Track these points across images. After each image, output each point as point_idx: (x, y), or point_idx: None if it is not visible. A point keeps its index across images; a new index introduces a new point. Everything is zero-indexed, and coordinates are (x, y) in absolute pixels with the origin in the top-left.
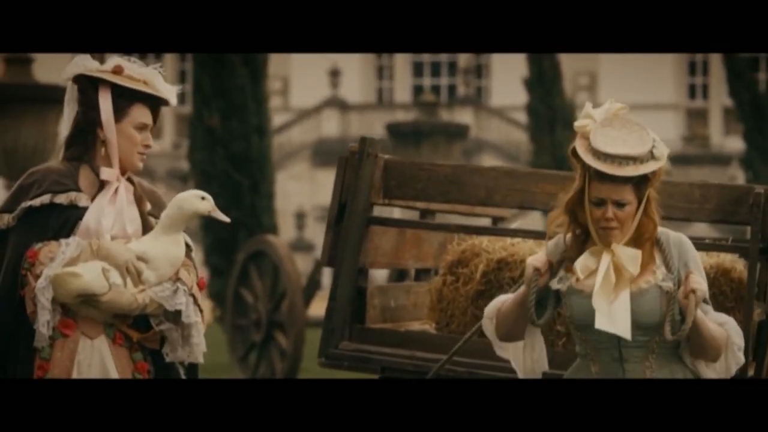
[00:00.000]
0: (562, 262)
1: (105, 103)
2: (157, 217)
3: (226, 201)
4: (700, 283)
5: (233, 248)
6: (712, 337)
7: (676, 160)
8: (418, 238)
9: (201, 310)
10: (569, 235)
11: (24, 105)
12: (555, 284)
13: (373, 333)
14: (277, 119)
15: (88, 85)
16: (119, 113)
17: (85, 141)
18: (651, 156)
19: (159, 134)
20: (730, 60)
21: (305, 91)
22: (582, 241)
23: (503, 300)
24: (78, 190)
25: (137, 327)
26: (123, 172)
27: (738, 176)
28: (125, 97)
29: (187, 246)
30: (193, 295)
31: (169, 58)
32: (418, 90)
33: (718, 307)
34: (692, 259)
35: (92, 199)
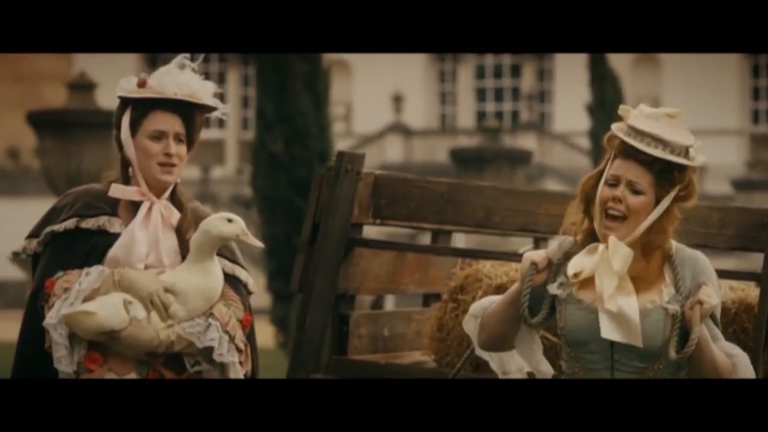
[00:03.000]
0: (562, 265)
1: (124, 120)
2: None
3: (288, 227)
4: (710, 296)
5: None
6: (713, 364)
7: (740, 185)
8: (424, 262)
9: (241, 350)
10: (579, 235)
11: (87, 131)
12: (554, 289)
13: (352, 365)
14: (340, 145)
15: (120, 107)
16: (135, 127)
17: (123, 163)
18: (685, 152)
19: (222, 160)
20: None
21: (368, 116)
22: (590, 242)
23: (492, 300)
24: (112, 214)
25: (174, 367)
26: (159, 192)
27: None
28: (140, 109)
29: (238, 280)
30: (228, 332)
31: (232, 84)
32: (481, 115)
33: (739, 345)
34: (708, 277)
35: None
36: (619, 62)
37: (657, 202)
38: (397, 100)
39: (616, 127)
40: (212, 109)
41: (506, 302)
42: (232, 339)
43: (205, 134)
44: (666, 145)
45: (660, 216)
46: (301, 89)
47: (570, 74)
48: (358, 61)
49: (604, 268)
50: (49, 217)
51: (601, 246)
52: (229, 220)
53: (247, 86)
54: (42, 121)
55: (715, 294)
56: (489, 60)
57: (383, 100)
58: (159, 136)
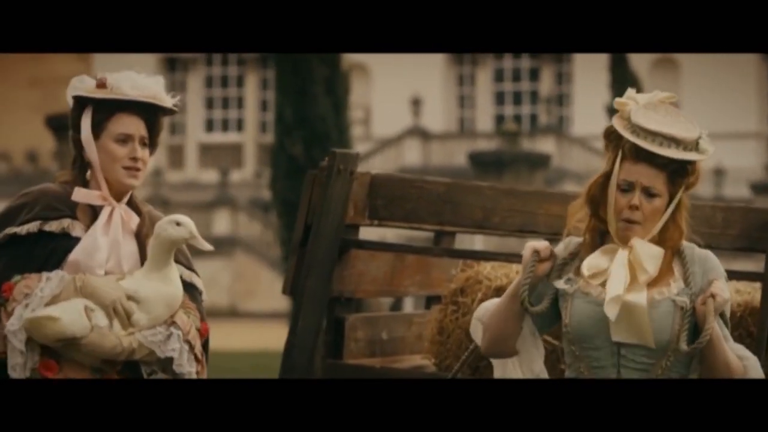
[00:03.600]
0: (566, 264)
1: (85, 120)
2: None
3: None
4: (722, 290)
5: None
6: (726, 365)
7: (758, 188)
8: (425, 263)
9: (198, 360)
10: (587, 234)
11: None
12: (561, 284)
13: (347, 369)
14: (359, 148)
15: (76, 106)
16: (98, 128)
17: (79, 165)
18: (696, 146)
19: (240, 163)
20: None
21: (387, 120)
22: (600, 242)
23: (495, 302)
24: (73, 217)
25: (130, 375)
26: (118, 196)
27: None
28: (104, 110)
29: (194, 287)
30: (189, 342)
31: (251, 87)
32: (499, 119)
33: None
34: (718, 275)
35: (87, 229)
36: (638, 65)
37: (670, 199)
38: (416, 104)
39: (619, 125)
40: (172, 111)
41: (508, 297)
42: (192, 349)
43: (224, 137)
44: (679, 143)
45: (672, 211)
46: (321, 93)
47: (589, 77)
48: (377, 64)
49: (618, 268)
50: (5, 218)
51: (619, 250)
52: (178, 223)
53: (266, 89)
54: (61, 125)
55: (726, 289)
56: (507, 63)
57: (402, 104)
58: (125, 139)
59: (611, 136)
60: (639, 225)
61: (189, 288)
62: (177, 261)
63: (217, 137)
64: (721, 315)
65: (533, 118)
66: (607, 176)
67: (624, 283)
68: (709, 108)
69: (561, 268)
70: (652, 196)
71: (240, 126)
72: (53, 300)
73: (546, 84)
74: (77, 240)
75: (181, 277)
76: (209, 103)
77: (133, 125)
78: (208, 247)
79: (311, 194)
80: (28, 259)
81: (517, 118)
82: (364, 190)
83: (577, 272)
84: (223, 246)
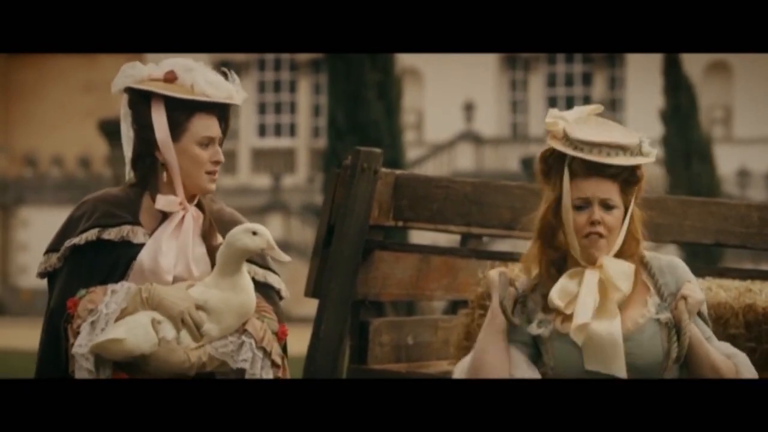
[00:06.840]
0: (526, 298)
1: (159, 119)
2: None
3: None
4: (694, 291)
5: None
6: (712, 366)
7: None
8: (451, 266)
9: (278, 365)
10: (542, 268)
11: None
12: (534, 329)
13: (370, 375)
14: (412, 153)
15: (139, 99)
16: (177, 129)
17: (145, 164)
18: (640, 150)
19: (293, 168)
20: None
21: (439, 125)
22: (558, 269)
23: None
24: (135, 222)
25: None
26: (191, 199)
27: None
28: (182, 109)
29: (270, 287)
30: (263, 348)
31: (303, 92)
32: None
33: None
34: (690, 279)
35: (152, 233)
36: (690, 69)
37: (625, 210)
38: (469, 109)
39: (558, 144)
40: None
41: (485, 327)
42: (268, 355)
43: (277, 142)
44: (625, 149)
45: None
46: (373, 97)
47: (641, 82)
48: (429, 69)
49: (587, 292)
50: (67, 229)
51: (587, 270)
52: (254, 233)
53: (318, 94)
54: (114, 130)
55: (699, 289)
56: (560, 68)
57: (455, 109)
58: (209, 143)
59: (549, 160)
60: (604, 239)
61: (264, 288)
62: (251, 261)
63: (270, 142)
64: (701, 315)
65: None
66: (557, 200)
67: (592, 308)
68: (762, 113)
69: (523, 302)
70: (610, 208)
71: (293, 131)
72: (120, 314)
73: (598, 89)
74: (140, 247)
75: (254, 278)
76: (262, 108)
77: (214, 127)
78: (286, 258)
79: (334, 193)
80: (90, 271)
81: None
82: (389, 190)
83: (546, 310)
84: None
